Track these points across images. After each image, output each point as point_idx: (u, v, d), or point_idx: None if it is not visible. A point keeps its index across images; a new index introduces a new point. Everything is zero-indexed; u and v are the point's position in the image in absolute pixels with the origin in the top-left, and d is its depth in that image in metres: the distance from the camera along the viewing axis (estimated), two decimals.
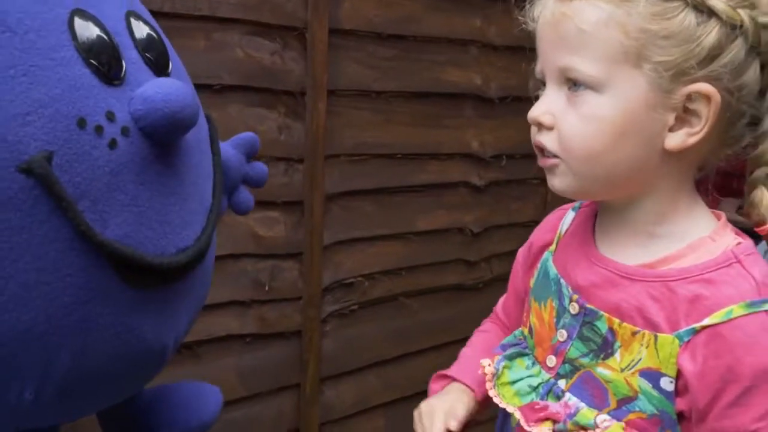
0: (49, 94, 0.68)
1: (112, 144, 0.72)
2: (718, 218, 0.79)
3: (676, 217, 0.77)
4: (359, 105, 1.90)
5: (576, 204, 0.90)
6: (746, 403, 0.69)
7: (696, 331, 0.71)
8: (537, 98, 0.79)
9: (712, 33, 0.69)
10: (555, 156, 0.76)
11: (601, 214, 0.83)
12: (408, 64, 1.96)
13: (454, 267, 2.20)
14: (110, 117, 0.72)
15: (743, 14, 0.69)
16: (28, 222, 0.66)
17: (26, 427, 0.78)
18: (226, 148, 1.02)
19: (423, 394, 1.02)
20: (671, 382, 0.72)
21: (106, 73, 0.73)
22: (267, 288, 1.81)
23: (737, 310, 0.69)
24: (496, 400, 0.85)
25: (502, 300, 1.06)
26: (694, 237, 0.76)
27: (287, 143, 1.78)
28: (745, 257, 0.73)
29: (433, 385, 0.99)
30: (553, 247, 0.88)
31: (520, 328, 0.91)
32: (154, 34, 0.84)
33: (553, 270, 0.85)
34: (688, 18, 0.69)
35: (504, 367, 0.86)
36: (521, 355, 0.87)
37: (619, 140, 0.72)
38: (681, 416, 0.73)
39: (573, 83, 0.73)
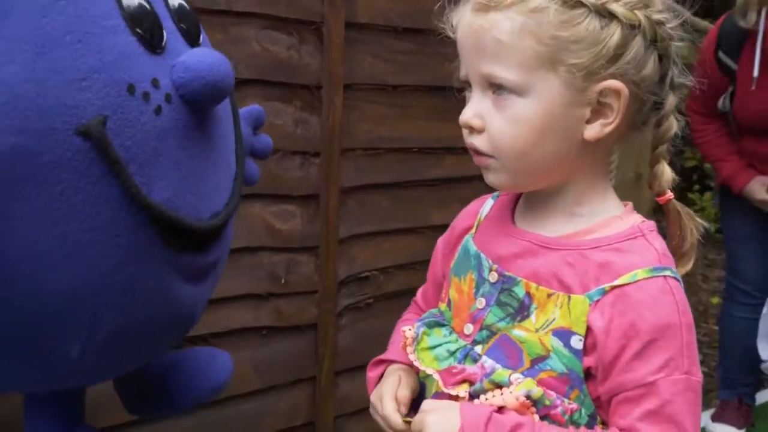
0: (102, 60, 0.70)
1: (158, 110, 0.74)
2: (625, 205, 0.88)
3: (593, 198, 0.85)
4: (375, 99, 1.92)
5: (495, 193, 0.97)
6: (645, 357, 0.77)
7: (605, 291, 0.79)
8: (463, 96, 0.88)
9: (615, 34, 0.77)
10: (489, 155, 0.82)
11: (525, 198, 0.90)
12: (424, 57, 1.97)
13: None
14: (155, 84, 0.74)
15: (639, 14, 0.77)
16: (83, 183, 0.68)
17: (64, 386, 0.80)
18: None
19: None
20: (580, 340, 0.79)
21: (150, 42, 0.76)
22: (283, 281, 1.82)
23: (641, 273, 0.78)
24: (416, 363, 0.90)
25: (421, 290, 1.10)
26: (606, 216, 0.85)
27: (303, 137, 1.79)
28: (649, 232, 0.83)
29: (369, 373, 1.03)
30: (473, 230, 0.94)
31: (437, 307, 0.97)
32: (185, 4, 0.87)
33: (473, 248, 0.91)
34: (592, 23, 0.76)
35: (423, 334, 0.91)
36: (439, 325, 0.92)
37: (542, 137, 0.80)
38: (587, 375, 0.80)
39: (497, 88, 0.80)
